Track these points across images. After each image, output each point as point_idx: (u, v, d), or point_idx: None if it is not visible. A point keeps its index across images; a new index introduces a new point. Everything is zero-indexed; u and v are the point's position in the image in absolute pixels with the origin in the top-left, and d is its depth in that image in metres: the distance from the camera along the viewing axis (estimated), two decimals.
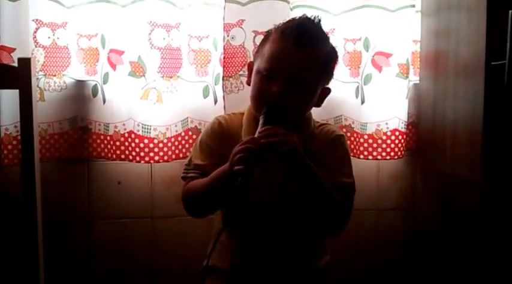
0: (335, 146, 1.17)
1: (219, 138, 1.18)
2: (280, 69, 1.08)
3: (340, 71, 1.58)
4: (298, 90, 1.08)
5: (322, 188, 1.07)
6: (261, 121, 1.06)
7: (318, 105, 1.17)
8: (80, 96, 1.51)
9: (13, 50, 1.40)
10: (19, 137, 1.33)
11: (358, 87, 1.57)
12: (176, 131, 1.49)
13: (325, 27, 1.18)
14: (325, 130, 1.20)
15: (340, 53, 1.56)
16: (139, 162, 1.47)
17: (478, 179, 1.29)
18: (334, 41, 1.52)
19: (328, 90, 1.18)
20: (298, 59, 1.08)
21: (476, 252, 1.32)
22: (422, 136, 1.63)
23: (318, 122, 1.22)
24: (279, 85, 1.07)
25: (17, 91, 1.23)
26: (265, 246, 1.14)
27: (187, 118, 1.51)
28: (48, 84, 1.47)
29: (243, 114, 1.21)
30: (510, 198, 1.24)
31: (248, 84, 1.18)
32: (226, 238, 1.15)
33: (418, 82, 1.63)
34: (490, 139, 1.26)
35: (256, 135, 1.03)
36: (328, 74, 1.17)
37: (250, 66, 1.18)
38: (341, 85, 1.57)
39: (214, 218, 1.23)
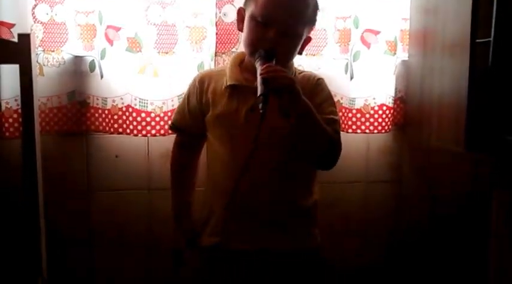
0: (319, 89, 1.23)
1: (195, 93, 1.26)
2: (275, 16, 1.12)
3: (330, 47, 1.62)
4: (289, 36, 1.14)
5: (318, 123, 1.11)
6: (258, 64, 1.10)
7: (300, 52, 1.22)
8: (78, 71, 1.54)
9: (12, 25, 1.42)
10: (19, 111, 1.36)
11: (347, 63, 1.61)
12: (172, 105, 1.52)
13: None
14: (307, 75, 1.26)
15: (331, 31, 1.61)
16: (136, 135, 1.51)
17: (462, 151, 1.35)
18: (324, 18, 1.57)
19: (310, 39, 1.23)
20: (292, 6, 1.13)
21: (461, 219, 1.38)
22: (409, 111, 1.68)
23: (297, 69, 1.27)
24: (274, 31, 1.11)
25: (17, 66, 1.25)
26: (256, 187, 1.18)
27: (182, 93, 1.53)
28: (47, 60, 1.51)
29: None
30: (492, 169, 1.30)
31: (240, 29, 1.21)
32: (218, 182, 1.22)
33: (407, 59, 1.67)
34: (473, 114, 1.31)
35: (258, 74, 1.06)
36: (313, 22, 1.22)
37: (240, 12, 1.21)
38: (331, 61, 1.61)
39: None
